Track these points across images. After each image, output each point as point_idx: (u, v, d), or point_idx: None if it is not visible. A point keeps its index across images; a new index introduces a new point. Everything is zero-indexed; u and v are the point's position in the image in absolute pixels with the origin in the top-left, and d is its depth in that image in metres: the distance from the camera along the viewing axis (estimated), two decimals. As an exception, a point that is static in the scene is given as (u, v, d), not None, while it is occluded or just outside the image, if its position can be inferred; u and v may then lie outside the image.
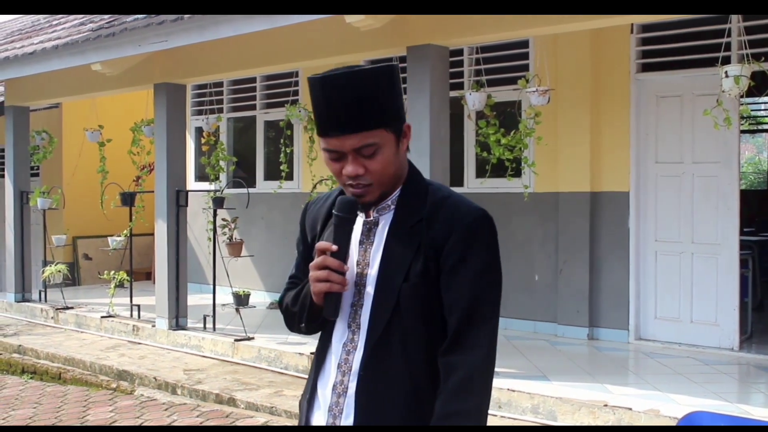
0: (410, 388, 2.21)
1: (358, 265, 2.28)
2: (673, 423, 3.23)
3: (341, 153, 2.19)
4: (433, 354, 2.21)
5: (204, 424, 6.84)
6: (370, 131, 2.16)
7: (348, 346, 2.27)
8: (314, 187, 8.78)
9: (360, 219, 2.31)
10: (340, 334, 2.30)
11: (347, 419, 2.24)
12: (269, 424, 6.75)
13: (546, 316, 9.01)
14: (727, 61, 7.25)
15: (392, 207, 2.29)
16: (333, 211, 2.26)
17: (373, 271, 2.26)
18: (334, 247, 2.21)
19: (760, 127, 19.71)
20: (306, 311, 2.32)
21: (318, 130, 2.22)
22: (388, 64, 2.23)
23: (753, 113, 18.45)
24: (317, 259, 2.21)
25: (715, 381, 6.95)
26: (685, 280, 8.24)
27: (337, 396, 2.27)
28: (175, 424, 6.91)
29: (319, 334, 2.42)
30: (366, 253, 2.29)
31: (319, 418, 2.32)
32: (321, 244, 2.23)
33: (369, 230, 2.30)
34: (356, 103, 2.14)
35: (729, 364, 7.58)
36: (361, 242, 2.30)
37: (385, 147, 2.19)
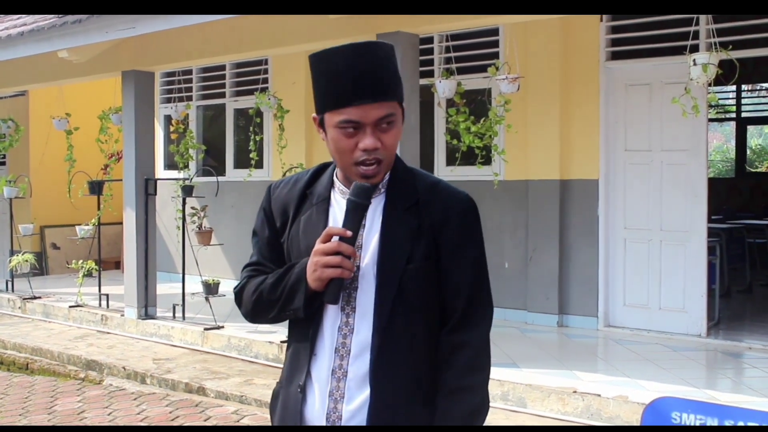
0: (413, 366, 2.24)
1: None
2: (641, 408, 3.26)
3: (359, 125, 2.16)
4: (430, 332, 2.27)
5: (174, 414, 6.80)
6: (391, 102, 2.19)
7: (344, 329, 2.25)
8: (284, 174, 8.74)
9: (345, 203, 2.27)
10: (332, 318, 2.27)
11: (350, 404, 2.23)
12: (239, 413, 6.72)
13: (516, 303, 9.04)
14: (695, 49, 7.29)
15: (382, 190, 2.29)
16: (348, 196, 2.21)
17: (369, 254, 2.25)
18: (349, 233, 2.18)
19: (728, 116, 19.87)
20: (297, 298, 2.24)
21: (336, 102, 2.17)
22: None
23: (721, 102, 18.61)
24: (329, 244, 2.17)
25: (683, 367, 7.01)
26: (654, 267, 8.30)
27: (336, 380, 2.24)
28: (144, 413, 6.86)
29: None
30: (358, 236, 2.26)
31: (315, 405, 2.27)
32: (333, 229, 2.19)
33: None
34: (382, 72, 2.16)
35: (697, 350, 7.65)
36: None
37: (398, 121, 2.22)
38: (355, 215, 2.20)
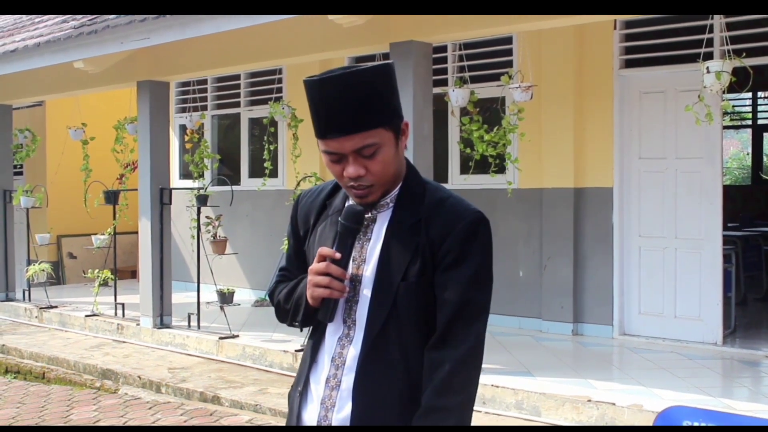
0: (406, 384, 2.23)
1: (354, 261, 2.29)
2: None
3: (341, 155, 2.18)
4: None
5: (188, 423, 6.81)
6: (370, 131, 2.16)
7: (343, 340, 2.28)
8: (298, 184, 8.76)
9: None
10: (334, 328, 2.31)
11: (339, 413, 2.26)
12: (253, 422, 6.73)
13: (530, 312, 9.02)
14: (709, 57, 7.27)
15: (391, 205, 2.30)
16: (339, 219, 2.26)
17: (369, 268, 2.27)
18: (338, 255, 2.22)
19: (744, 123, 19.78)
20: (301, 312, 2.33)
21: (316, 132, 2.20)
22: (385, 62, 2.24)
23: (737, 109, 18.52)
24: (319, 265, 2.22)
25: (699, 375, 6.97)
26: (669, 275, 8.26)
27: (330, 389, 2.28)
28: (159, 422, 6.88)
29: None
30: (363, 250, 2.29)
31: (311, 411, 2.32)
32: (324, 250, 2.23)
33: (366, 227, 2.31)
34: (355, 104, 2.13)
35: (712, 358, 7.61)
36: (357, 239, 2.30)
37: (385, 146, 2.19)
38: (346, 238, 2.26)
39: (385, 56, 7.70)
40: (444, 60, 9.42)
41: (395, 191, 2.30)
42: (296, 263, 2.48)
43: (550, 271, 8.86)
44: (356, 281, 2.28)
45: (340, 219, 2.27)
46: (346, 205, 2.30)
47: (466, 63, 8.60)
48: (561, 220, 8.78)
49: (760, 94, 18.01)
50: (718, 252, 7.99)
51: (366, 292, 2.27)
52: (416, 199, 2.29)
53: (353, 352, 2.26)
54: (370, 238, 2.30)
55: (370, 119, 2.15)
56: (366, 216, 2.30)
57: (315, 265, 2.24)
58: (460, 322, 2.20)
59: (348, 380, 2.25)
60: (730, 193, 9.32)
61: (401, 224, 2.27)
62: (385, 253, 2.26)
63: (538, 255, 9.02)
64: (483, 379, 6.32)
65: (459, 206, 2.28)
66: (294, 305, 2.37)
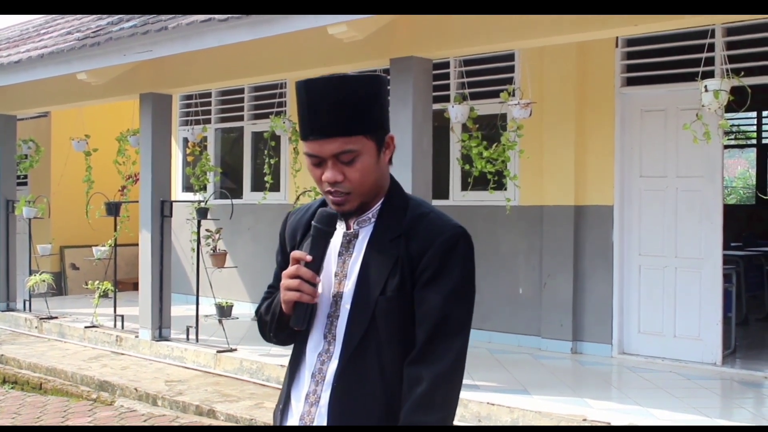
0: (384, 400, 2.20)
1: (336, 276, 2.28)
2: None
3: (321, 158, 2.19)
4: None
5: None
6: (350, 137, 2.16)
7: (323, 356, 2.26)
8: (297, 198, 8.77)
9: (340, 230, 2.31)
10: (315, 344, 2.29)
11: None
12: (247, 436, 6.70)
13: (530, 329, 8.98)
14: (709, 75, 7.26)
15: (373, 220, 2.29)
16: (312, 222, 2.26)
17: (350, 283, 2.25)
18: (309, 258, 2.21)
19: (750, 142, 19.71)
20: (275, 320, 2.32)
21: (300, 134, 2.22)
22: (375, 74, 2.25)
23: (742, 128, 18.45)
24: (290, 268, 2.21)
25: (697, 396, 6.93)
26: (669, 294, 8.22)
27: (309, 405, 2.26)
28: (153, 435, 6.86)
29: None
30: (344, 265, 2.28)
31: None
32: (296, 253, 2.22)
33: (349, 242, 2.30)
34: (337, 108, 2.15)
35: (711, 379, 7.56)
36: (340, 254, 2.29)
37: (365, 155, 2.19)
38: (318, 241, 2.24)
39: (386, 72, 7.70)
40: (446, 76, 9.43)
41: (377, 206, 2.30)
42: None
43: (550, 289, 8.82)
44: (338, 296, 2.27)
45: (312, 221, 2.26)
46: (320, 210, 2.28)
47: (467, 79, 8.60)
48: (561, 237, 8.75)
49: (765, 113, 17.96)
50: (718, 271, 7.95)
51: (346, 306, 2.25)
52: (398, 214, 2.28)
53: (332, 368, 2.24)
54: (352, 254, 2.28)
55: (351, 125, 2.16)
56: (348, 231, 2.30)
57: (287, 269, 2.23)
58: (439, 338, 2.17)
59: (326, 396, 2.23)
60: (734, 212, 9.28)
61: (382, 239, 2.25)
62: (365, 268, 2.24)
63: (538, 272, 8.99)
64: (479, 396, 6.35)
65: (439, 221, 2.25)
66: (271, 315, 2.35)
